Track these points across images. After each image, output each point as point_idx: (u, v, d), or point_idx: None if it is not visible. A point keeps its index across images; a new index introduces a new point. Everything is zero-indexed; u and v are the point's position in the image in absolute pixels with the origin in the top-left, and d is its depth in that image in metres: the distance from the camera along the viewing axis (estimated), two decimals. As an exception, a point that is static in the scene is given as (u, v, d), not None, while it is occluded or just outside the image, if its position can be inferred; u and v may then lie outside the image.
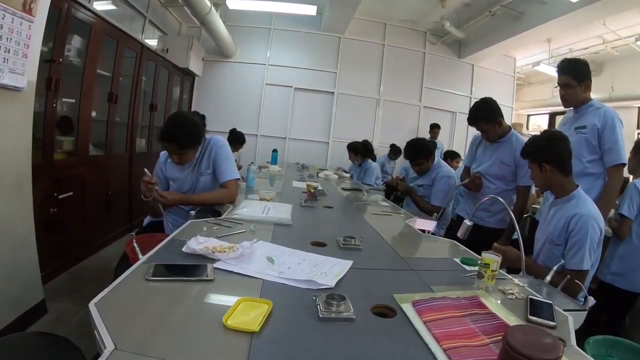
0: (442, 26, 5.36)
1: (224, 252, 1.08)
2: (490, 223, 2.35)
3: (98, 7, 3.44)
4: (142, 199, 1.66)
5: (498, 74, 6.87)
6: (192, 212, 1.55)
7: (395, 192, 3.25)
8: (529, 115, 8.68)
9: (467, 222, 1.68)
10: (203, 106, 5.96)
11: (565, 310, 0.98)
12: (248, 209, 1.73)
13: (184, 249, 1.10)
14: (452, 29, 5.60)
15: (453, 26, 5.55)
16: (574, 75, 1.99)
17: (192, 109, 5.88)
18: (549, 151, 1.61)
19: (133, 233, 1.25)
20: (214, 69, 5.99)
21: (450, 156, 4.41)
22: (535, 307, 0.96)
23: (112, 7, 4.21)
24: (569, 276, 1.35)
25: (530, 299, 1.00)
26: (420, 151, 2.75)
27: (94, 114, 3.05)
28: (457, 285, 1.11)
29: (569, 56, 6.65)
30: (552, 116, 7.91)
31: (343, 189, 3.02)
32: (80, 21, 2.71)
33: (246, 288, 0.93)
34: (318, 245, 1.38)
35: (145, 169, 1.63)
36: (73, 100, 2.84)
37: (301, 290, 0.95)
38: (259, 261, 1.09)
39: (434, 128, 6.00)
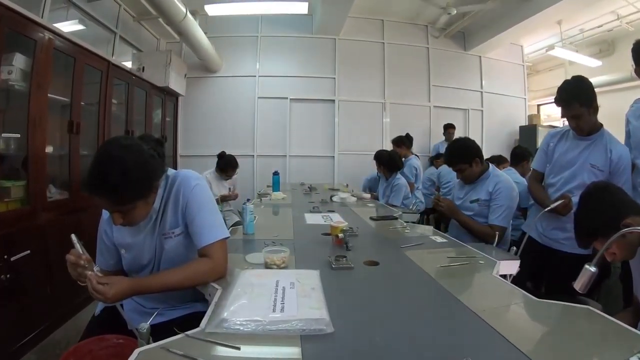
0: (447, 14, 4.87)
1: None
2: (566, 247, 1.80)
3: (64, 28, 2.92)
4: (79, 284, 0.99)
5: (507, 64, 6.41)
6: (144, 327, 0.81)
7: (434, 214, 2.61)
8: (539, 105, 8.17)
9: (591, 268, 1.05)
10: (190, 128, 5.45)
11: None
12: (247, 300, 0.95)
13: None
14: (458, 18, 5.11)
15: (458, 14, 5.07)
16: None
17: (178, 132, 5.32)
18: (621, 204, 1.18)
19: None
20: (199, 86, 5.43)
21: (497, 161, 3.54)
22: None
23: (80, 27, 3.69)
24: None
25: None
26: (459, 152, 2.13)
27: (50, 149, 2.47)
28: None
29: (579, 37, 6.30)
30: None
31: (372, 218, 2.36)
32: (22, 36, 2.17)
33: None
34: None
35: (73, 237, 0.96)
36: (18, 135, 2.26)
37: None
38: None
39: (449, 128, 5.45)
